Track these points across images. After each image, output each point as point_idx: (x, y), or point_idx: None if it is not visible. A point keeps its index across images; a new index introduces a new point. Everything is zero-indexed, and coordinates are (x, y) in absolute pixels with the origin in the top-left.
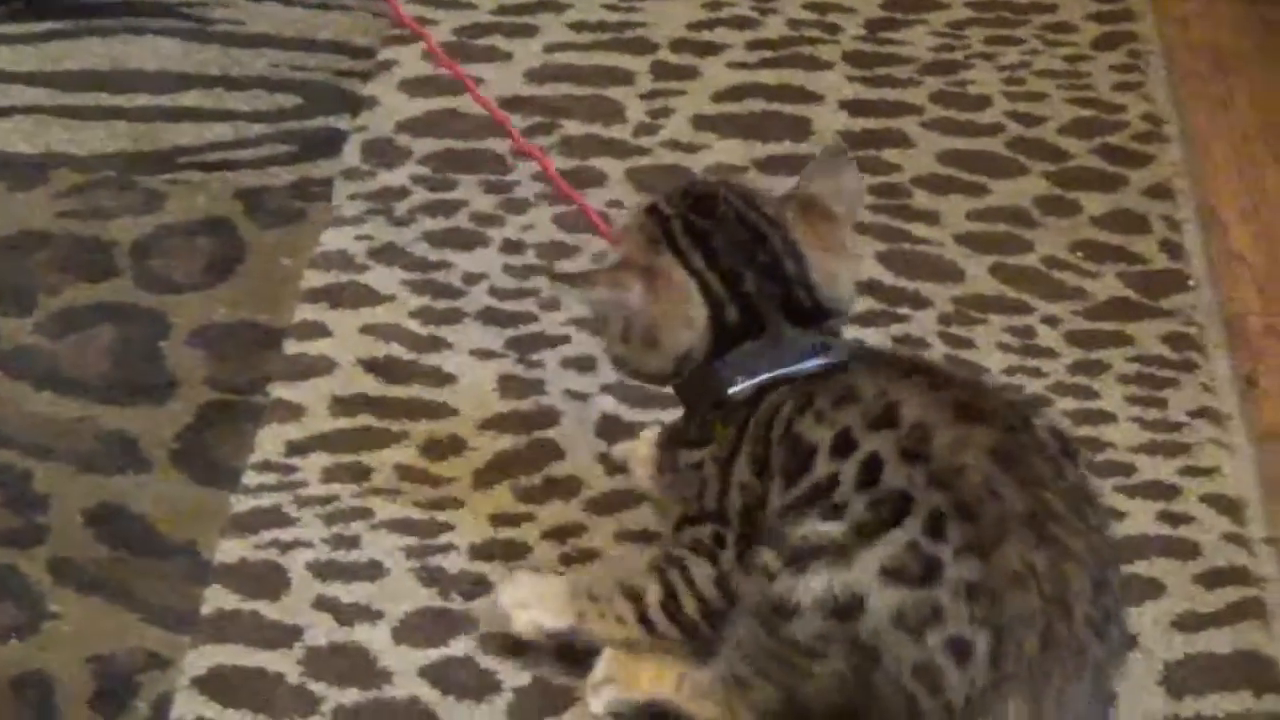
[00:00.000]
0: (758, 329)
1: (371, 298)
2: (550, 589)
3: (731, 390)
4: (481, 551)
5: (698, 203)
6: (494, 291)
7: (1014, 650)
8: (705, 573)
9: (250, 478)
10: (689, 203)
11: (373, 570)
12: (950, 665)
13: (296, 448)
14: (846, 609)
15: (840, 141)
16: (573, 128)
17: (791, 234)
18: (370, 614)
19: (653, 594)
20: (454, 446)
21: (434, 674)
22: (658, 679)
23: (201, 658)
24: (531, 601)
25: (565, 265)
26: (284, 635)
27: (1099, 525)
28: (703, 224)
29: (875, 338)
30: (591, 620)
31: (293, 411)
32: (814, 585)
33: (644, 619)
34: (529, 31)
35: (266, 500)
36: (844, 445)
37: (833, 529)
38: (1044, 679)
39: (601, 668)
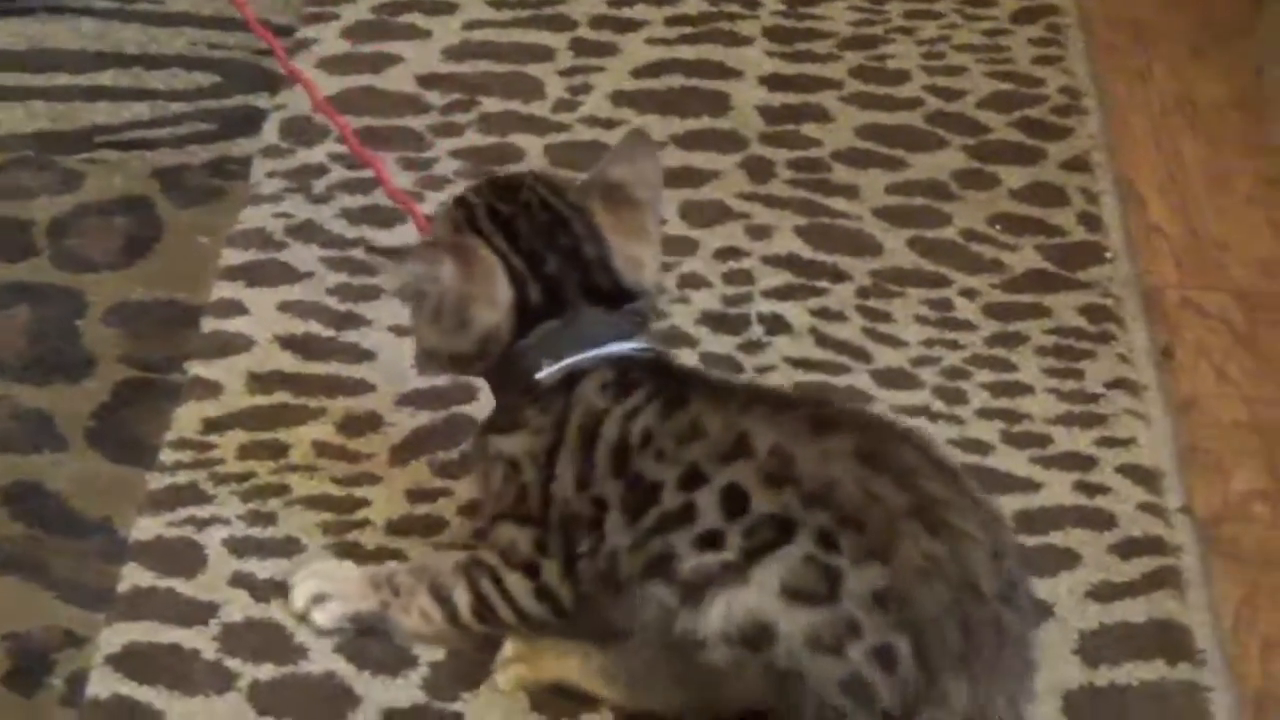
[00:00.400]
0: (559, 309)
1: (289, 275)
2: (346, 575)
3: (539, 374)
4: (398, 527)
5: (502, 191)
6: None
7: (938, 645)
8: (522, 585)
9: (167, 455)
10: (493, 190)
11: (289, 546)
12: (878, 675)
13: (213, 425)
14: (756, 638)
15: (643, 129)
16: (491, 105)
17: (593, 219)
18: (286, 590)
19: (462, 599)
20: (371, 423)
21: (350, 649)
22: (561, 660)
23: (117, 635)
24: (328, 593)
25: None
26: (200, 612)
27: (976, 494)
28: (506, 210)
29: (793, 311)
30: (396, 611)
31: (210, 389)
32: (714, 615)
33: (455, 621)
34: (448, 9)
35: (183, 478)
36: (692, 479)
37: (720, 556)
38: (974, 660)
39: (508, 647)
